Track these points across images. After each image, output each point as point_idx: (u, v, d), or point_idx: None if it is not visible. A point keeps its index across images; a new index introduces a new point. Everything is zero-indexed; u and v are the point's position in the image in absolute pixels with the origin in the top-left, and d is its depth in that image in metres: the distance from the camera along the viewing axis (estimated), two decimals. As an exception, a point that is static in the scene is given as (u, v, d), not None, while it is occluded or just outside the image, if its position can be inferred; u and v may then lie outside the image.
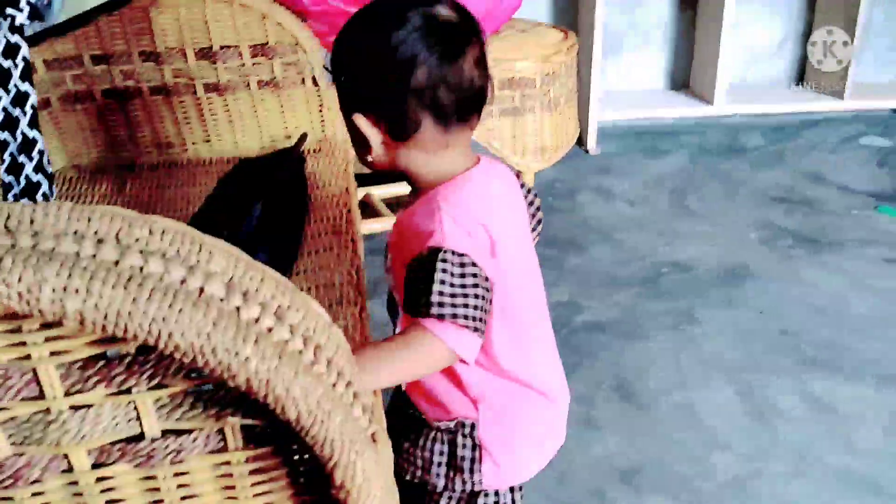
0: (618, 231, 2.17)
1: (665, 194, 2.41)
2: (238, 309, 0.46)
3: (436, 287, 0.71)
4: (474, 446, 0.85)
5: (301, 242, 1.11)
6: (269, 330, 0.47)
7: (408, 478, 0.89)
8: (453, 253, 0.73)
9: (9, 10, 0.79)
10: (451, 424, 0.86)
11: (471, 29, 0.78)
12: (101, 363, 0.50)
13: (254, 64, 1.44)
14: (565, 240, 2.11)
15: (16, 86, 0.86)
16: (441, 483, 0.87)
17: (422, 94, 0.75)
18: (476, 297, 0.73)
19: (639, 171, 2.61)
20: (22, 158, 0.89)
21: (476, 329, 0.72)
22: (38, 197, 0.95)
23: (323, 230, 1.17)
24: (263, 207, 1.08)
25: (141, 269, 0.44)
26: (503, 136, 1.68)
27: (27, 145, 0.90)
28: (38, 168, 0.91)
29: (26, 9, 0.80)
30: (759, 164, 2.64)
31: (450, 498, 0.89)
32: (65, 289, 0.41)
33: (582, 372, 1.55)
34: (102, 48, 1.37)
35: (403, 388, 0.90)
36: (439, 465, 0.87)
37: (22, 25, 0.82)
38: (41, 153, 0.91)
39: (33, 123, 0.92)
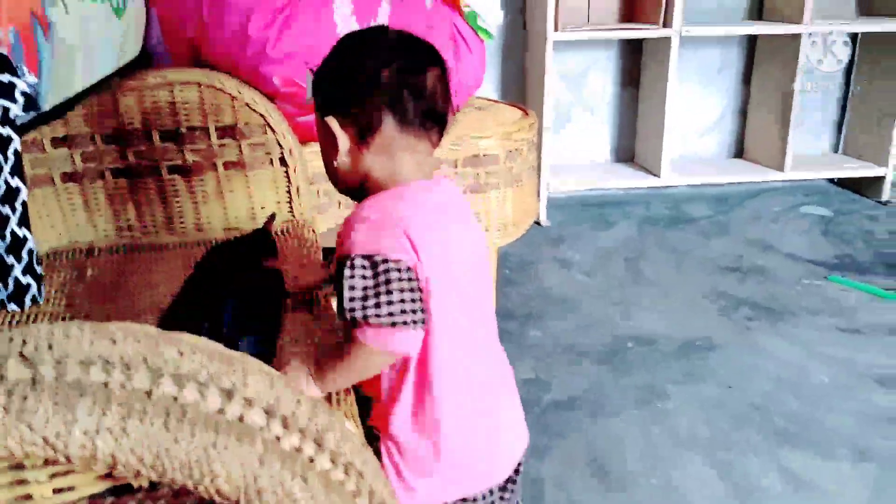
0: (576, 303, 2.17)
1: (619, 264, 2.44)
2: (278, 439, 0.43)
3: (346, 294, 0.75)
4: (393, 463, 0.87)
5: (281, 323, 1.07)
6: (311, 460, 0.43)
7: None
8: (361, 257, 0.76)
9: (1, 101, 0.73)
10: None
11: (437, 56, 0.86)
12: (110, 500, 0.46)
13: (221, 145, 1.41)
14: (524, 313, 2.11)
15: (6, 181, 0.81)
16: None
17: (386, 93, 0.82)
18: (392, 292, 0.74)
19: (590, 241, 2.64)
20: (10, 259, 0.82)
21: (405, 323, 0.74)
22: (27, 300, 0.88)
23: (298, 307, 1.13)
24: (239, 293, 1.04)
25: (175, 398, 0.41)
26: (469, 213, 1.68)
27: (16, 245, 0.84)
28: (28, 269, 0.85)
29: (21, 100, 0.74)
30: (706, 234, 2.70)
31: None
32: (97, 430, 0.37)
33: (555, 453, 1.52)
34: (65, 129, 1.32)
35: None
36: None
37: (15, 118, 0.77)
38: (31, 253, 0.85)
39: (23, 222, 0.85)
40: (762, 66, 3.01)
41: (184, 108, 1.39)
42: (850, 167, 3.04)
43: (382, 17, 1.51)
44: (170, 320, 0.95)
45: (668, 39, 2.65)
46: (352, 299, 0.74)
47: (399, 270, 0.75)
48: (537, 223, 2.79)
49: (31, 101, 0.76)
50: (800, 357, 1.87)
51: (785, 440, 1.56)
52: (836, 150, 3.27)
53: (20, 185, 0.84)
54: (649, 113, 2.91)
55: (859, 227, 2.77)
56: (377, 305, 0.74)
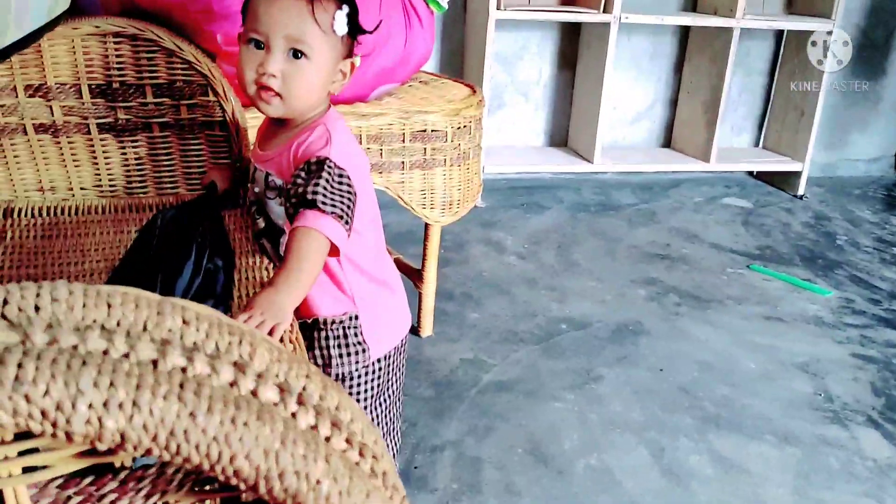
0: (511, 285, 2.17)
1: (551, 249, 2.45)
2: (294, 416, 0.38)
3: (321, 185, 0.90)
4: (357, 332, 1.09)
5: (233, 286, 1.01)
6: (328, 440, 0.40)
7: None
8: (336, 165, 0.93)
9: None
10: (341, 318, 1.07)
11: None
12: (89, 480, 0.41)
13: (156, 105, 1.32)
14: (462, 294, 2.09)
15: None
16: (344, 370, 1.09)
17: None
18: (348, 199, 0.92)
19: (522, 224, 2.64)
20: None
21: (346, 223, 0.91)
22: None
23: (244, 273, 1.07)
24: (195, 262, 0.97)
25: (184, 370, 0.36)
26: (413, 188, 1.64)
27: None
28: None
29: None
30: (634, 221, 2.75)
31: (351, 377, 1.11)
32: (106, 404, 0.32)
33: (495, 435, 1.51)
34: (-17, 78, 1.21)
35: None
36: (339, 356, 1.09)
37: None
38: None
39: None
40: (693, 57, 3.08)
41: (117, 62, 1.29)
42: (771, 161, 3.15)
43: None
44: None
45: (606, 25, 2.66)
46: (325, 190, 0.90)
47: (351, 188, 0.93)
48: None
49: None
50: (727, 344, 1.92)
51: (715, 425, 1.59)
52: (756, 145, 3.38)
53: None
54: (584, 98, 2.93)
55: (777, 219, 2.87)
56: (340, 204, 0.90)
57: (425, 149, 1.63)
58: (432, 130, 1.63)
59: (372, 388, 1.15)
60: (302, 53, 0.94)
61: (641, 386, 1.72)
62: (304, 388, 0.40)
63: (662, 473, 1.44)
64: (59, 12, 1.11)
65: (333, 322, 1.08)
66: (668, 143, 3.26)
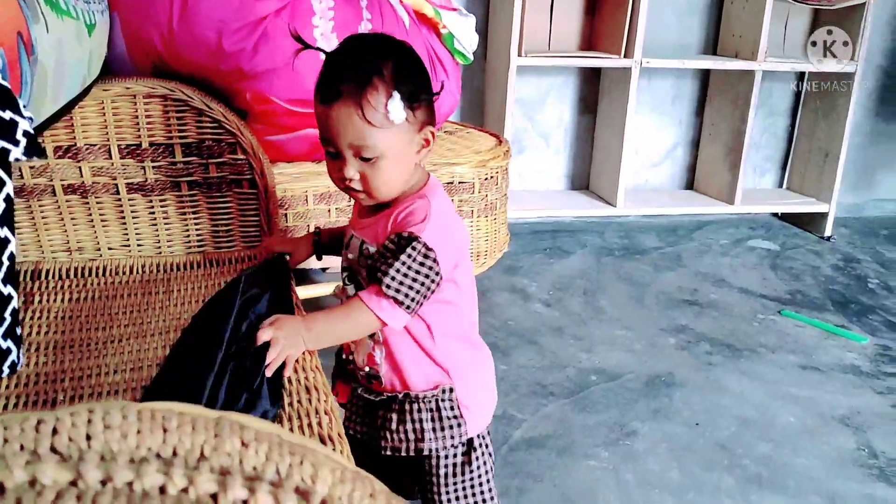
0: (538, 335, 2.13)
1: (577, 296, 2.41)
2: (362, 546, 0.35)
3: (395, 266, 0.90)
4: (453, 406, 1.04)
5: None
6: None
7: (403, 454, 1.04)
8: (424, 246, 0.91)
9: (1, 143, 0.61)
10: (434, 392, 1.03)
11: None
12: None
13: (185, 163, 1.31)
14: (490, 344, 2.04)
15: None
16: (437, 445, 1.04)
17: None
18: (420, 284, 0.91)
19: (546, 270, 2.61)
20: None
21: (408, 308, 0.91)
22: (5, 369, 0.76)
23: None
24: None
25: (245, 502, 0.33)
26: (440, 242, 1.62)
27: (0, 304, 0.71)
28: (8, 332, 0.73)
29: (23, 141, 0.62)
30: (660, 266, 2.71)
31: (446, 456, 1.07)
32: (165, 555, 0.29)
33: (530, 496, 1.46)
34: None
35: (382, 377, 1.05)
36: (432, 430, 1.03)
37: (11, 161, 0.64)
38: (14, 313, 0.73)
39: (9, 278, 0.73)
40: (714, 99, 3.06)
41: (146, 122, 1.29)
42: (797, 202, 3.11)
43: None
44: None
45: (627, 70, 2.66)
46: (397, 271, 0.90)
47: (433, 272, 0.92)
48: (492, 249, 2.74)
49: (32, 143, 0.64)
50: (764, 397, 1.86)
51: (757, 485, 1.54)
52: (779, 186, 3.34)
53: (9, 235, 0.72)
54: (606, 141, 2.91)
55: (805, 261, 2.82)
56: (410, 288, 0.90)
57: (452, 201, 1.61)
58: (460, 182, 1.61)
59: (486, 464, 1.11)
60: (371, 156, 0.92)
61: (678, 442, 1.66)
62: (368, 510, 0.37)
63: (704, 537, 1.39)
64: (91, 80, 1.10)
65: (426, 396, 1.04)
66: (690, 185, 3.24)
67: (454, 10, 1.68)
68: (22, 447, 0.32)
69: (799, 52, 3.10)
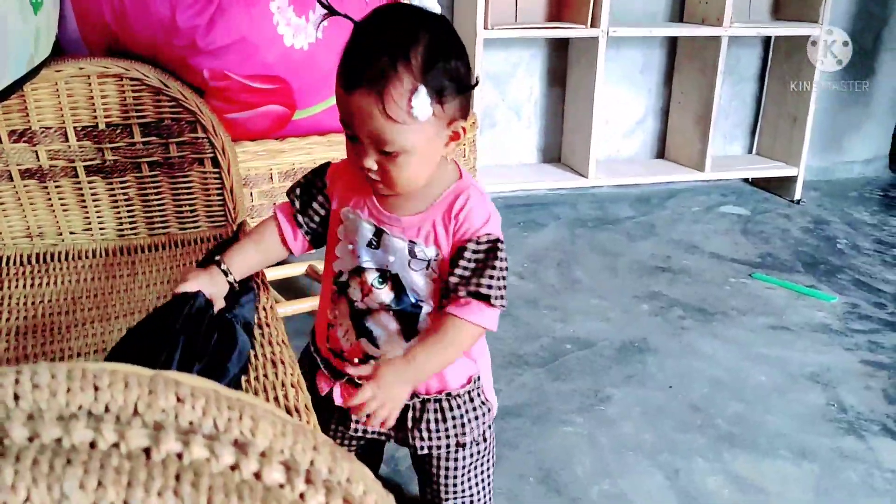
0: (513, 306, 2.13)
1: (551, 267, 2.42)
2: (303, 497, 0.35)
3: (496, 276, 0.88)
4: (480, 392, 1.04)
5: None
6: (340, 520, 0.36)
7: (442, 451, 1.03)
8: (502, 243, 0.90)
9: None
10: (469, 384, 1.02)
11: None
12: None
13: (144, 144, 1.29)
14: (463, 319, 2.05)
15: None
16: (476, 433, 1.04)
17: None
18: (505, 278, 0.90)
19: (520, 243, 2.62)
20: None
21: (503, 306, 0.90)
22: None
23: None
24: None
25: (180, 455, 0.33)
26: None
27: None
28: None
29: None
30: (633, 235, 2.72)
31: (485, 439, 1.07)
32: (93, 506, 0.29)
33: (506, 464, 1.47)
34: (-34, 126, 1.18)
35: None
36: (470, 420, 1.02)
37: None
38: None
39: None
40: (683, 67, 3.07)
41: (102, 102, 1.27)
42: (766, 167, 3.13)
43: (320, 8, 1.42)
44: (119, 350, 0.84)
45: (595, 39, 2.65)
46: (497, 279, 0.88)
47: (506, 265, 0.90)
48: (465, 224, 2.74)
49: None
50: (736, 358, 1.88)
51: (729, 443, 1.56)
52: (749, 152, 3.36)
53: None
54: (576, 113, 2.91)
55: (776, 225, 2.85)
56: (502, 288, 0.89)
57: (420, 174, 1.61)
58: (426, 156, 1.61)
59: (494, 448, 1.12)
60: (391, 151, 0.84)
61: (651, 405, 1.68)
62: (311, 463, 0.37)
63: (679, 496, 1.41)
64: (40, 61, 1.08)
65: (460, 393, 1.03)
66: (661, 154, 3.25)
67: (415, -18, 1.66)
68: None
69: (765, 17, 3.11)
